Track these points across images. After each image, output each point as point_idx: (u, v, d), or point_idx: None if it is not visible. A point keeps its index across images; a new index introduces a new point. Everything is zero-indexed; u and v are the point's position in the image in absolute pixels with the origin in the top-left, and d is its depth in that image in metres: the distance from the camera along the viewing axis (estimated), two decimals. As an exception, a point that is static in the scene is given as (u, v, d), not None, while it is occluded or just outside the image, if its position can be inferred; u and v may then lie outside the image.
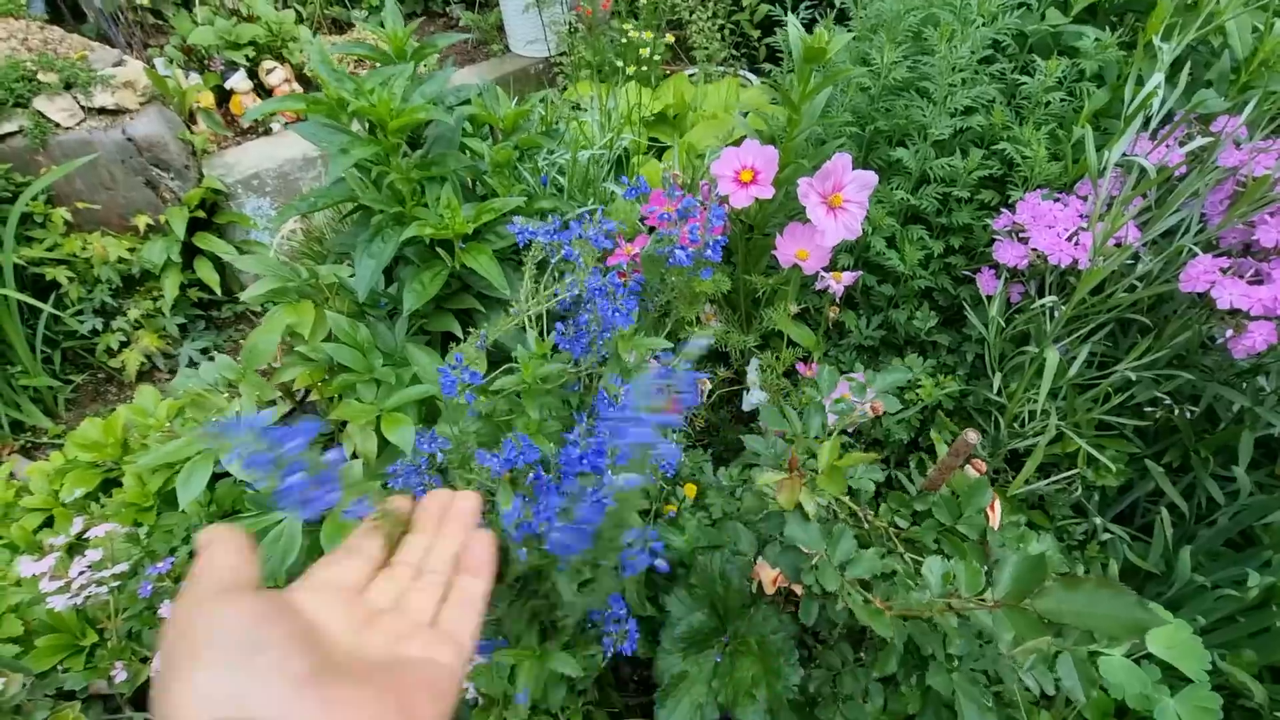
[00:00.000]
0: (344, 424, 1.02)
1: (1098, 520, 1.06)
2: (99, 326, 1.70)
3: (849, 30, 1.10)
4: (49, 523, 1.14)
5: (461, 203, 0.99)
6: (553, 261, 0.68)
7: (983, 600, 0.46)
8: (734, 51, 2.29)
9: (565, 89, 2.04)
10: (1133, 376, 0.91)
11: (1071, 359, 1.00)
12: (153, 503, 1.09)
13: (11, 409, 1.59)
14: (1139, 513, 1.16)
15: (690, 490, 0.87)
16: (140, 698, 0.96)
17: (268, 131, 2.01)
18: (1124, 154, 0.93)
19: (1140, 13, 1.17)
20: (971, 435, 0.57)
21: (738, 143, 0.99)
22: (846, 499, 0.62)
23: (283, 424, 0.35)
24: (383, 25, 1.04)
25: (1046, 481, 1.05)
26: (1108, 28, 1.10)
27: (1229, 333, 0.81)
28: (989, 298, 1.05)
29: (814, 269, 1.00)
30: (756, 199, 1.00)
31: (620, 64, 1.60)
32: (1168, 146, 0.94)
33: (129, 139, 1.69)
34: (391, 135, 0.94)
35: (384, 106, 0.90)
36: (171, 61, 1.93)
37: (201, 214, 1.80)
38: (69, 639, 0.97)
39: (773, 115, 1.21)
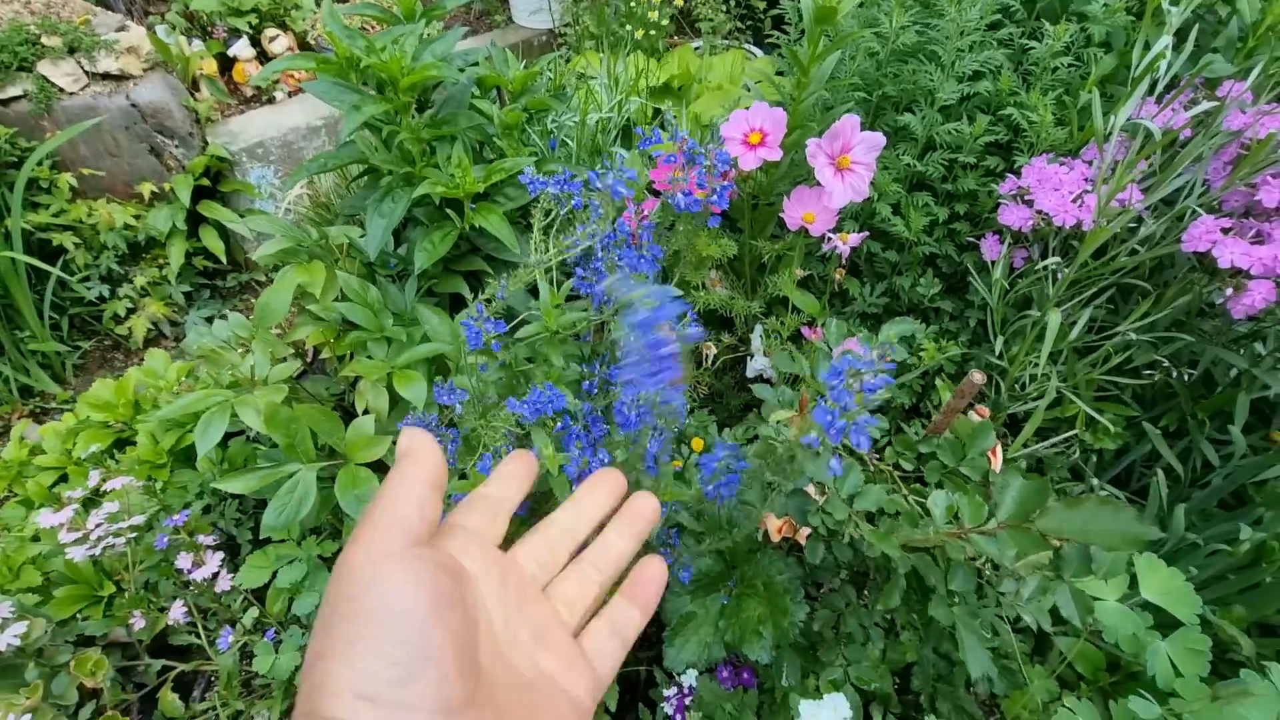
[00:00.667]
0: (354, 383, 1.03)
1: (1094, 482, 1.08)
2: (105, 293, 1.71)
3: (858, -6, 1.10)
4: (63, 480, 1.16)
5: (471, 165, 0.99)
6: (562, 213, 0.68)
7: (984, 530, 0.48)
8: (739, 24, 2.28)
9: (569, 60, 2.03)
10: (1133, 336, 0.92)
11: (1072, 323, 1.01)
12: (166, 460, 1.11)
13: (20, 374, 1.61)
14: (1135, 477, 1.18)
15: (697, 444, 0.89)
16: (158, 645, 0.99)
17: (271, 100, 2.00)
18: (1130, 118, 0.93)
19: (1149, -21, 1.17)
20: (977, 376, 0.58)
21: (747, 106, 1.00)
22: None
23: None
24: (392, -16, 1.04)
25: (1045, 444, 1.07)
26: (1117, -7, 1.10)
27: (1229, 292, 0.83)
28: (993, 263, 1.06)
29: (820, 231, 1.01)
30: (764, 161, 1.00)
31: (626, 29, 1.59)
32: (1173, 111, 0.95)
33: (133, 105, 1.68)
34: (402, 93, 0.94)
35: (395, 64, 0.90)
36: (174, 28, 1.92)
37: (206, 182, 1.80)
38: (87, 590, 0.99)
39: (782, 85, 1.21)
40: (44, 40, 1.57)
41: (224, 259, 1.82)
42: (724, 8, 2.18)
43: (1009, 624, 0.84)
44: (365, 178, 1.23)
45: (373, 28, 2.13)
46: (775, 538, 0.75)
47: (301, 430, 0.87)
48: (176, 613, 0.94)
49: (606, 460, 0.52)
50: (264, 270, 1.90)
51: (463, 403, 0.64)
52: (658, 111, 1.86)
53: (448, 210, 1.05)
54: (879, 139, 0.93)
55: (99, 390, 1.24)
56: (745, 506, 0.78)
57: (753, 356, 1.35)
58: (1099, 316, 1.07)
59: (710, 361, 1.28)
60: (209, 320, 1.81)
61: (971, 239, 1.17)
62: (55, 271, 1.55)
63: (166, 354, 1.32)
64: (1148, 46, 0.98)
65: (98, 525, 0.96)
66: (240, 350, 0.97)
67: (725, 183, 0.69)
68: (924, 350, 1.10)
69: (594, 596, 0.31)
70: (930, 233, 1.19)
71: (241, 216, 1.84)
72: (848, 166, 0.94)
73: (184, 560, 0.96)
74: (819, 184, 0.97)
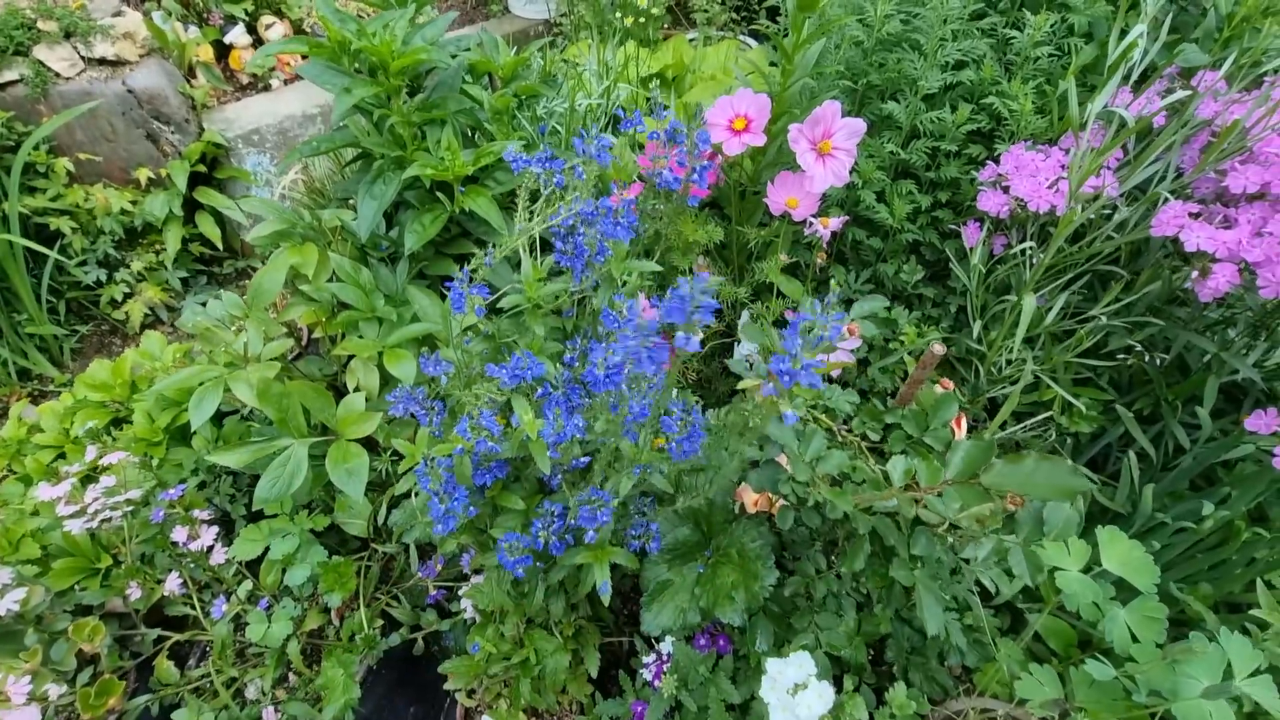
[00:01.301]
0: (346, 363, 1.06)
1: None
2: (102, 278, 1.72)
3: (844, -17, 1.12)
4: (61, 458, 1.18)
5: (461, 149, 1.01)
6: (545, 193, 0.71)
7: (940, 491, 0.50)
8: (734, 15, 2.29)
9: (564, 49, 2.04)
10: (1105, 319, 0.94)
11: (1049, 309, 1.03)
12: (161, 438, 1.13)
13: (18, 356, 1.63)
14: (1111, 460, 1.21)
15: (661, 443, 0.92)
16: (154, 616, 1.01)
17: (267, 88, 2.02)
18: (1105, 105, 0.95)
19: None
20: (937, 347, 0.61)
21: (731, 91, 1.02)
22: (824, 416, 0.66)
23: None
24: (384, -29, 1.05)
25: (1021, 427, 1.10)
26: (1097, -16, 1.11)
27: (1194, 274, 0.85)
28: (972, 249, 1.08)
29: (803, 216, 1.03)
30: (750, 146, 1.02)
31: (618, 16, 1.61)
32: (1148, 100, 0.97)
33: (129, 90, 1.70)
34: (393, 77, 0.96)
35: (385, 47, 0.92)
36: (170, 15, 1.93)
37: (202, 168, 1.81)
38: (84, 562, 1.01)
39: (771, 75, 1.23)
40: (40, 25, 1.59)
41: (220, 245, 1.84)
42: (718, -1, 2.18)
43: (978, 597, 0.86)
44: (358, 163, 1.25)
45: (369, 14, 2.14)
46: (751, 510, 0.77)
47: (293, 405, 0.90)
48: (172, 584, 0.97)
49: (582, 426, 0.55)
50: (260, 256, 1.91)
51: (448, 374, 0.66)
52: (650, 101, 1.88)
53: (438, 194, 1.07)
54: (860, 125, 0.95)
55: (96, 371, 1.26)
56: (709, 468, 0.80)
57: (739, 342, 1.38)
58: (1075, 302, 1.10)
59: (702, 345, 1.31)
60: (204, 305, 1.83)
61: (954, 226, 1.19)
62: (52, 254, 1.57)
63: (163, 336, 1.34)
64: (1124, 34, 1.00)
65: (95, 499, 0.99)
66: (234, 329, 0.99)
67: (706, 162, 0.71)
68: (904, 334, 1.12)
69: None
70: (914, 220, 1.21)
71: (238, 204, 1.86)
72: (829, 152, 0.96)
73: (179, 534, 0.98)
74: (802, 170, 0.99)
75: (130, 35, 1.71)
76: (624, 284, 0.63)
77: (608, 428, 0.60)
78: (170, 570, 0.98)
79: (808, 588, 0.72)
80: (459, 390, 0.69)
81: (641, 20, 1.69)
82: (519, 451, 0.59)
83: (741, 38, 2.28)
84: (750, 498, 0.78)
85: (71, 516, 0.97)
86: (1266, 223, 0.81)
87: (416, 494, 0.75)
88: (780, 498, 0.71)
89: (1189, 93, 0.95)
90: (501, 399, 0.59)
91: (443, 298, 1.10)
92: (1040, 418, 1.09)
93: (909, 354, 1.04)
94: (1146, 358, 1.03)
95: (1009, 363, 1.06)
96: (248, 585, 1.00)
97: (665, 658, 0.82)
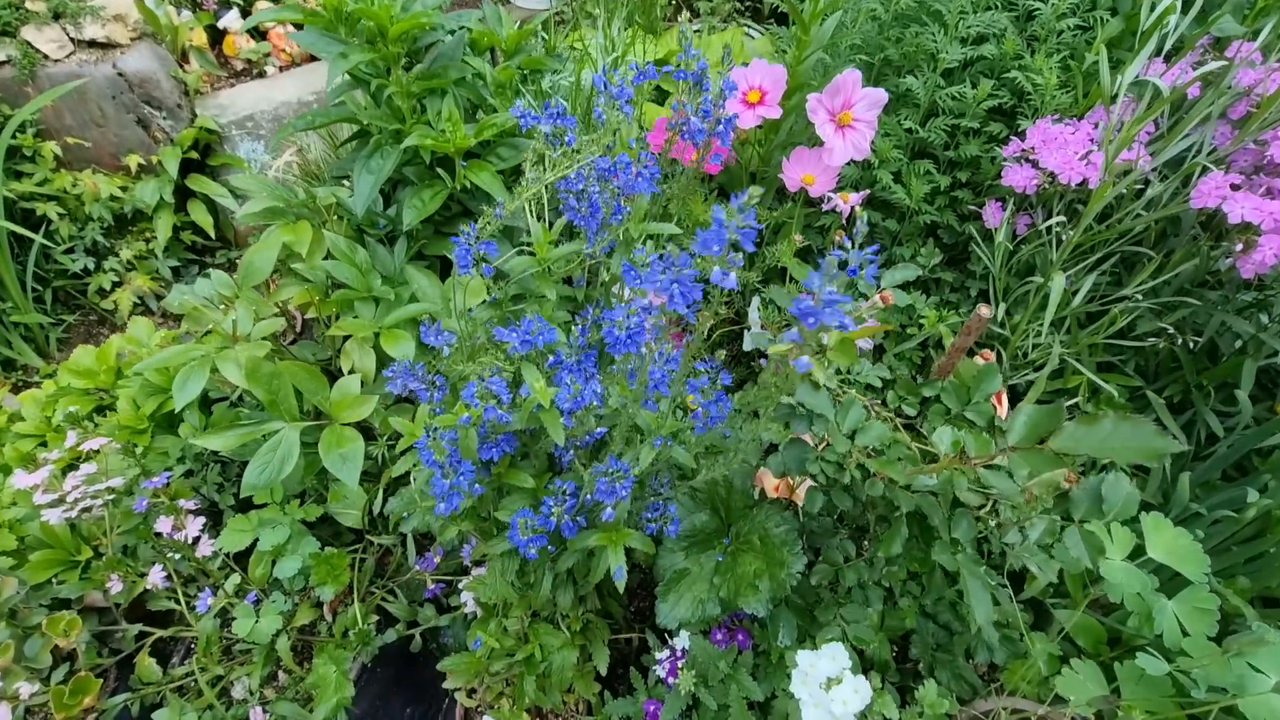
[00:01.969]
0: (341, 346, 1.01)
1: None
2: (90, 266, 1.67)
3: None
4: (42, 446, 1.13)
5: (462, 121, 0.97)
6: (554, 154, 0.66)
7: (991, 462, 0.46)
8: (738, 4, 2.25)
9: (568, 37, 2.00)
10: (1140, 300, 0.90)
11: (1076, 290, 0.99)
12: (147, 425, 1.08)
13: (2, 346, 1.57)
14: (1137, 451, 1.16)
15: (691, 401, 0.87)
16: (136, 612, 0.96)
17: (262, 74, 1.97)
18: (1138, 76, 0.91)
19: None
20: (984, 309, 0.56)
21: (745, 63, 0.97)
22: (854, 392, 0.61)
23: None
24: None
25: (1047, 414, 1.05)
26: (1123, -46, 1.08)
27: (1238, 248, 0.81)
28: (995, 228, 1.04)
29: (820, 192, 0.99)
30: (763, 122, 0.98)
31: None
32: (1180, 70, 0.93)
33: (120, 74, 1.65)
34: (391, 44, 0.91)
35: (384, 11, 0.88)
36: (163, -1, 1.88)
37: (194, 155, 1.76)
38: (63, 554, 0.96)
39: (779, 60, 1.19)
40: (28, 5, 1.54)
41: (212, 234, 1.79)
42: (723, -12, 2.15)
43: (1010, 591, 0.82)
44: (354, 142, 1.21)
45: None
46: (772, 495, 0.73)
47: (285, 387, 0.85)
48: (155, 577, 0.91)
49: (600, 392, 0.50)
50: (252, 242, 1.86)
51: (450, 345, 0.61)
52: (655, 89, 1.84)
53: (438, 170, 1.02)
54: (881, 95, 0.91)
55: (80, 357, 1.21)
56: (731, 441, 0.75)
57: (749, 329, 1.33)
58: (1102, 284, 1.06)
59: (705, 335, 1.26)
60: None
61: (973, 206, 1.15)
62: (38, 239, 1.52)
63: (151, 322, 1.29)
64: (1154, 5, 0.96)
65: (75, 487, 0.93)
66: (223, 308, 0.94)
67: (732, 115, 0.66)
68: (924, 318, 1.08)
69: None
70: (931, 201, 1.17)
71: (232, 191, 1.81)
72: (849, 123, 0.92)
73: (164, 524, 0.93)
74: (819, 145, 0.95)
75: (121, 18, 1.67)
76: (644, 242, 0.58)
77: (628, 394, 0.55)
78: (154, 563, 0.93)
79: (836, 577, 0.67)
80: (462, 364, 0.64)
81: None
82: (529, 423, 0.54)
83: (745, 23, 2.24)
84: (770, 482, 0.73)
85: (50, 505, 0.92)
86: (1313, 193, 0.77)
87: (415, 475, 0.70)
88: (806, 479, 0.67)
89: (1224, 63, 0.91)
90: (510, 367, 0.54)
91: (443, 278, 1.05)
92: (1066, 405, 1.04)
93: (948, 335, 1.00)
94: (1180, 340, 0.99)
95: (1035, 347, 1.01)
96: (235, 579, 0.94)
97: (680, 653, 0.77)
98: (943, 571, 0.56)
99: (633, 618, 1.03)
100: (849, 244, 0.41)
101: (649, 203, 0.64)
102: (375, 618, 0.97)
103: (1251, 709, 0.53)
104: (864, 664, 0.78)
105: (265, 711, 0.86)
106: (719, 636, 0.78)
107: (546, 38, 1.13)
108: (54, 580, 0.92)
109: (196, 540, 0.93)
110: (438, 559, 0.98)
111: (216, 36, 1.96)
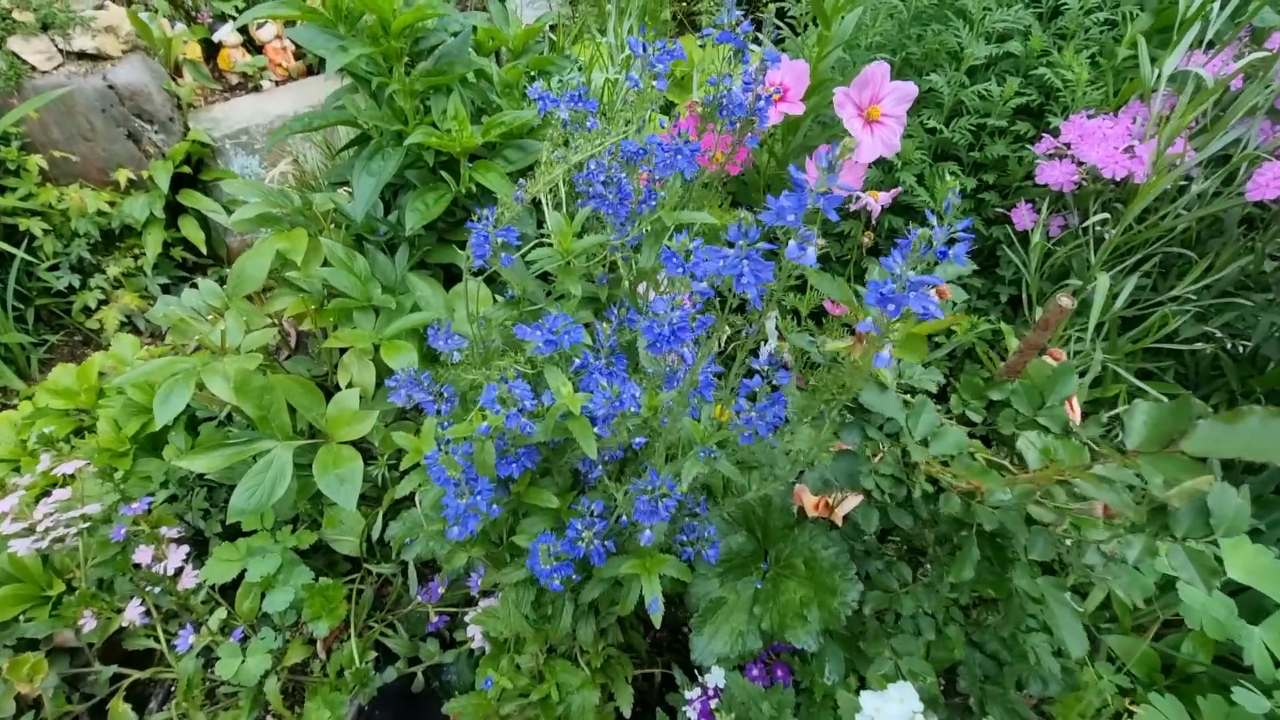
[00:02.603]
0: (339, 359, 0.94)
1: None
2: (75, 283, 1.61)
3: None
4: (16, 472, 1.05)
5: (469, 121, 0.92)
6: (574, 143, 0.61)
7: (1086, 472, 0.40)
8: (742, 18, 2.24)
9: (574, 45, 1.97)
10: (1191, 298, 0.85)
11: (1117, 292, 0.94)
12: (128, 448, 1.01)
13: (-20, 367, 1.50)
14: (1179, 464, 1.11)
15: (720, 412, 0.80)
16: (112, 652, 0.88)
17: (258, 88, 1.93)
18: (1176, 68, 0.87)
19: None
20: (1065, 299, 0.51)
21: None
22: (922, 395, 0.55)
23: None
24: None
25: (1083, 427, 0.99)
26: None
27: (1300, 243, 0.76)
28: (1029, 230, 0.99)
29: (847, 192, 0.93)
30: (783, 119, 0.94)
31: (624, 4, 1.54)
32: (1223, 62, 0.89)
33: (110, 86, 1.60)
34: (394, 39, 0.86)
35: (387, 4, 0.83)
36: (156, 11, 1.85)
37: (187, 169, 1.71)
38: (33, 589, 0.88)
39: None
40: (15, 15, 1.50)
41: (204, 250, 1.73)
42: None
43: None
44: (354, 148, 1.16)
45: None
46: (811, 514, 0.66)
47: (277, 402, 0.78)
48: (133, 613, 0.84)
49: (638, 396, 0.44)
50: (246, 262, 1.80)
51: (461, 350, 0.55)
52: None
53: (442, 173, 0.97)
54: (911, 89, 0.86)
55: (59, 376, 1.14)
56: (780, 450, 0.68)
57: (766, 341, 1.27)
58: (1144, 286, 1.01)
59: (720, 348, 1.20)
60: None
61: (1001, 210, 1.11)
62: (19, 253, 1.46)
63: (136, 340, 1.23)
64: (1192, -3, 0.92)
65: (46, 515, 0.86)
66: (212, 320, 0.88)
67: (775, 88, 0.62)
68: (957, 326, 1.02)
69: None
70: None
71: (225, 207, 1.75)
72: (877, 119, 0.87)
73: (143, 554, 0.85)
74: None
75: (113, 29, 1.63)
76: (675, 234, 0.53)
77: (672, 399, 0.49)
78: (131, 597, 0.85)
79: (890, 605, 0.60)
80: (475, 370, 0.57)
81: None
82: (554, 435, 0.48)
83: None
84: (809, 500, 0.67)
85: (18, 535, 0.84)
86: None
87: (422, 496, 0.63)
88: (847, 495, 0.60)
89: (1266, 53, 0.87)
90: (531, 371, 0.48)
91: (447, 288, 0.99)
92: (1106, 415, 0.98)
93: (1010, 334, 0.95)
94: (1229, 345, 0.94)
95: (1076, 354, 0.96)
96: (221, 613, 0.87)
97: (712, 691, 0.70)
98: (1028, 595, 0.50)
99: (652, 650, 0.95)
100: (933, 218, 0.36)
101: (681, 189, 0.59)
102: (373, 655, 0.89)
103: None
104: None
105: (252, 762, 0.78)
106: (755, 672, 0.71)
107: (555, 39, 1.09)
108: (20, 618, 0.84)
109: (179, 572, 0.86)
110: (442, 589, 0.90)
111: (211, 50, 1.93)
